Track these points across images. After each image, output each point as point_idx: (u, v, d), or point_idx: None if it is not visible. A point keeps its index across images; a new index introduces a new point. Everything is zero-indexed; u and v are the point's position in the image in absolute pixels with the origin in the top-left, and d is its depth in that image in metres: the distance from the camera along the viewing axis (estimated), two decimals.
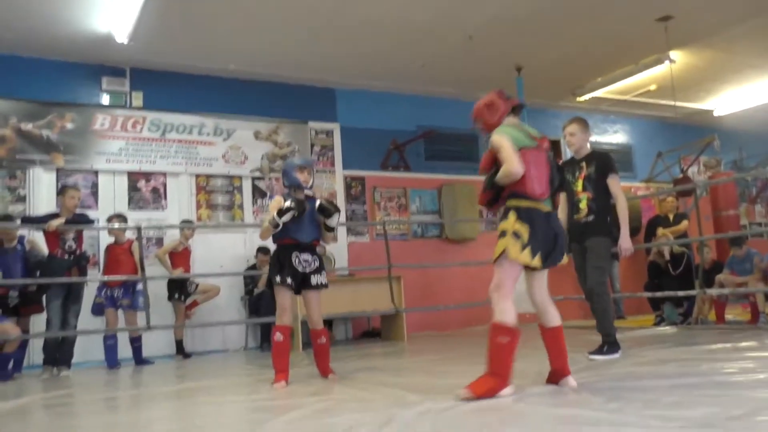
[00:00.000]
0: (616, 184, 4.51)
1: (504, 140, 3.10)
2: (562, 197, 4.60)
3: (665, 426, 2.09)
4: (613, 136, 11.51)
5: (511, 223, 3.03)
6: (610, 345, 4.35)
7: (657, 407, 2.42)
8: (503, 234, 3.04)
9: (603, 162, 4.58)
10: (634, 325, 7.46)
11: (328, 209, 4.16)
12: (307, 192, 4.29)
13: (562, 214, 4.48)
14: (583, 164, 4.60)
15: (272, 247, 4.40)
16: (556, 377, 3.21)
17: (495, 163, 3.15)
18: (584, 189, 4.53)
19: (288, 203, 4.01)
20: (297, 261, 4.09)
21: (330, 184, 9.03)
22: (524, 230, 3.00)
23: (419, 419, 2.49)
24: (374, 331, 8.29)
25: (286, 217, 3.99)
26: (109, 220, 6.68)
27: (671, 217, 7.90)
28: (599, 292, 4.41)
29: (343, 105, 9.21)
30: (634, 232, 10.34)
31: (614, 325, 4.52)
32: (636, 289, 8.74)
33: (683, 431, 1.98)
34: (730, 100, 10.80)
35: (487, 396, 2.85)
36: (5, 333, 5.60)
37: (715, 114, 11.20)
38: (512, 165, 3.02)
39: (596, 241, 4.43)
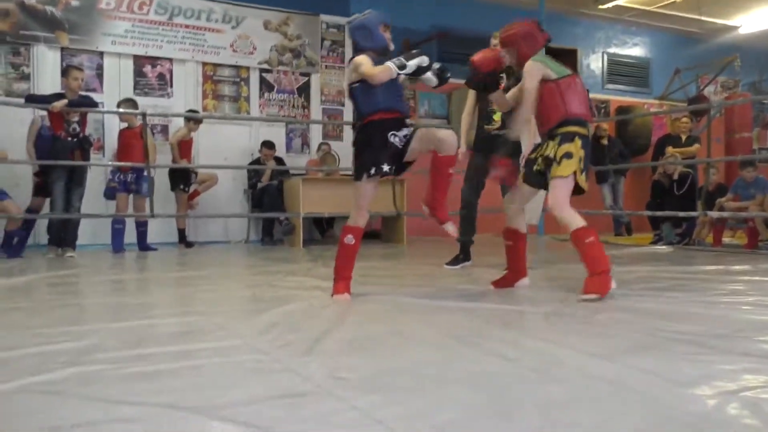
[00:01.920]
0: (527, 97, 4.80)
1: (535, 70, 3.37)
2: (470, 101, 4.69)
3: (654, 335, 2.15)
4: (631, 49, 11.19)
5: (578, 147, 3.23)
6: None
7: (650, 318, 2.49)
8: (569, 155, 3.21)
9: (521, 75, 4.64)
10: (629, 243, 7.54)
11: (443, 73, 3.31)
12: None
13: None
14: (503, 76, 4.55)
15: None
16: (513, 280, 3.60)
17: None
18: None
19: (416, 60, 3.08)
20: (395, 139, 3.15)
21: (339, 80, 8.87)
22: (583, 157, 3.25)
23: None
24: (375, 233, 8.40)
25: (412, 66, 3.06)
26: (119, 105, 6.62)
27: (683, 138, 7.79)
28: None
29: None
30: (642, 149, 10.29)
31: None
32: (639, 207, 8.77)
33: (669, 343, 2.05)
34: (760, 17, 10.37)
35: (607, 291, 3.10)
36: (6, 211, 5.69)
37: (741, 31, 10.81)
38: (526, 101, 3.36)
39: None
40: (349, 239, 3.27)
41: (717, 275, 4.20)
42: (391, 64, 3.03)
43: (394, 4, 9.05)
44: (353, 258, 3.29)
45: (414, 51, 3.15)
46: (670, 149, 7.69)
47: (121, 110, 6.54)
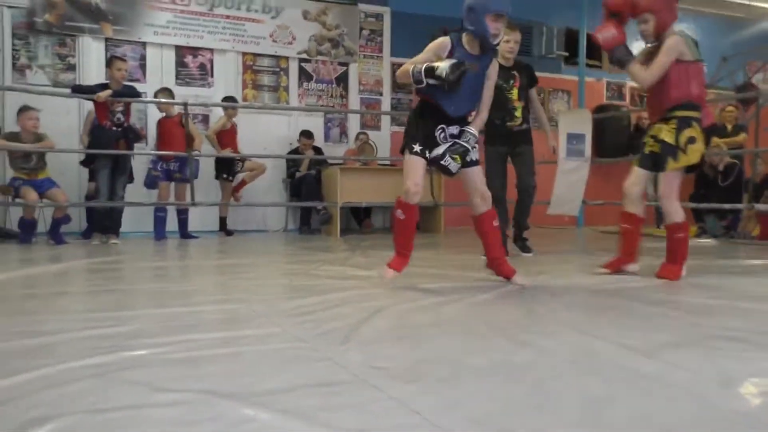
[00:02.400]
0: (537, 96, 4.98)
1: (674, 49, 3.37)
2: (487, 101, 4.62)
3: (697, 330, 2.11)
4: None
5: (699, 131, 3.38)
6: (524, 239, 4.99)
7: (693, 314, 2.44)
8: (693, 140, 3.33)
9: (531, 73, 4.88)
10: None
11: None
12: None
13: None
14: (515, 73, 4.75)
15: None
16: (622, 263, 3.71)
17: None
18: (519, 98, 4.75)
19: (447, 64, 2.96)
20: (440, 135, 3.18)
21: (377, 70, 8.86)
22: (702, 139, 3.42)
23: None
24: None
25: (440, 75, 2.96)
26: (156, 95, 6.73)
27: (729, 127, 7.57)
28: (533, 192, 4.86)
29: None
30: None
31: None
32: (682, 199, 8.57)
33: (713, 339, 2.00)
34: None
35: (678, 277, 3.44)
36: (54, 199, 5.85)
37: None
38: (652, 77, 3.39)
39: (529, 148, 4.85)
40: (399, 214, 3.23)
41: (763, 269, 4.08)
42: (420, 69, 2.99)
43: None
44: (408, 233, 3.28)
45: (458, 64, 2.96)
46: (715, 140, 7.48)
47: (162, 100, 6.65)
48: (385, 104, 8.90)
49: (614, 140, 9.61)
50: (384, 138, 8.75)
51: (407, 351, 1.93)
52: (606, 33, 3.43)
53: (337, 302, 2.76)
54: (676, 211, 3.47)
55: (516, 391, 1.54)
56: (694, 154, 3.34)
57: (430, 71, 2.96)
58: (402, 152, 3.25)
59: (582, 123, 6.94)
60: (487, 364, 1.79)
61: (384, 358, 1.82)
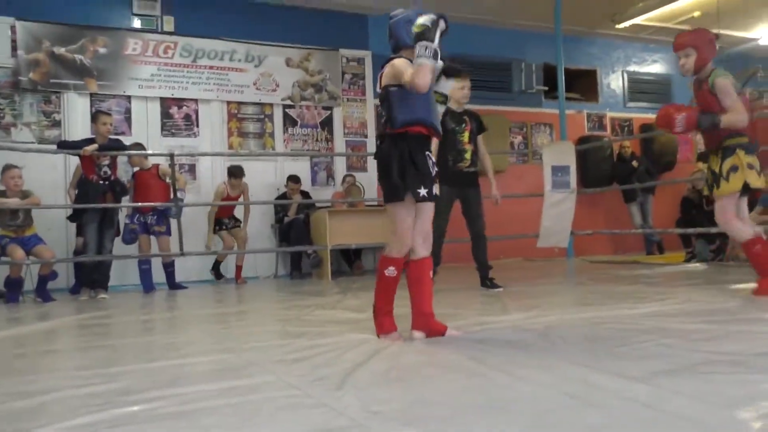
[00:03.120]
0: (483, 144, 5.17)
1: (730, 87, 3.56)
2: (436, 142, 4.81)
3: (693, 356, 2.10)
4: (651, 66, 11.14)
5: (742, 157, 3.56)
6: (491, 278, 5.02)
7: (688, 340, 2.43)
8: (735, 168, 3.54)
9: (480, 121, 5.14)
10: (662, 261, 7.41)
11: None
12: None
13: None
14: (466, 118, 5.03)
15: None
16: None
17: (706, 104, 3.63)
18: (470, 141, 4.99)
19: (427, 18, 2.61)
20: (431, 164, 2.80)
21: (360, 113, 8.96)
22: (755, 161, 3.59)
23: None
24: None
25: (436, 44, 2.59)
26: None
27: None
28: (484, 233, 5.04)
29: (375, 32, 9.00)
30: (669, 166, 10.18)
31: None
32: (669, 225, 8.64)
33: (709, 364, 1.99)
34: None
35: None
36: (41, 256, 5.81)
37: (761, 43, 10.71)
38: (742, 115, 3.51)
39: (477, 191, 5.03)
40: (391, 271, 2.82)
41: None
42: (424, 60, 2.54)
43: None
44: (394, 291, 2.86)
45: (425, 18, 2.61)
46: (699, 165, 7.56)
47: (150, 152, 6.66)
48: (371, 146, 8.96)
49: (598, 170, 9.72)
50: (371, 179, 8.79)
51: (404, 393, 1.91)
52: (679, 118, 3.62)
53: (331, 347, 2.74)
54: (739, 232, 3.66)
55: (516, 426, 1.52)
56: (735, 182, 3.56)
57: (425, 32, 2.58)
58: (393, 199, 2.75)
59: (566, 155, 7.03)
60: (485, 401, 1.77)
61: (381, 401, 1.80)
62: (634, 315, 3.25)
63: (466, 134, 4.96)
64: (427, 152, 2.79)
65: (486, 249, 5.10)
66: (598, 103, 10.67)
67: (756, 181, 3.59)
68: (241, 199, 7.38)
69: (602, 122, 10.65)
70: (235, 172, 7.28)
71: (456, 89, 4.73)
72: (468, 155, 4.97)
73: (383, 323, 2.84)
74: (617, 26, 9.74)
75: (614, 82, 10.86)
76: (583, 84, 10.54)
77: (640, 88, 11.00)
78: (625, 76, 10.90)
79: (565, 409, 1.65)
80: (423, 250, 2.84)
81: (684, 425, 1.47)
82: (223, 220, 7.40)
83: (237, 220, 7.51)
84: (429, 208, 2.84)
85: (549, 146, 8.02)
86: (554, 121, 9.70)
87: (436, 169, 2.81)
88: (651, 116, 10.86)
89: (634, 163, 8.96)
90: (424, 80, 2.56)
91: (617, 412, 1.59)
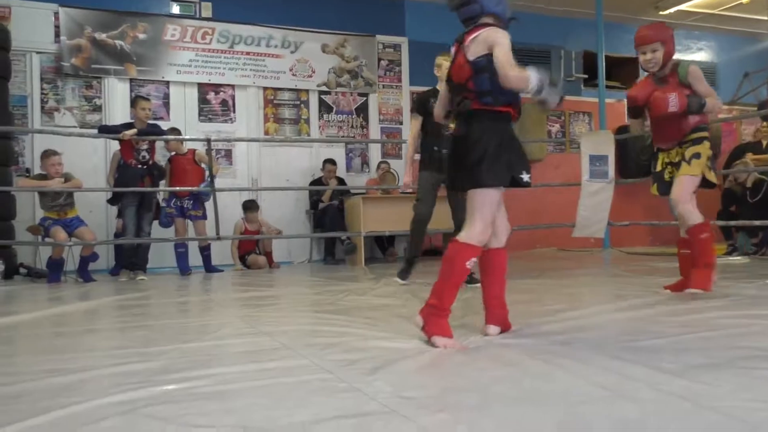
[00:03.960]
0: None
1: (702, 74, 3.66)
2: (418, 125, 4.80)
3: (732, 351, 2.05)
4: (696, 54, 10.85)
5: (707, 148, 3.62)
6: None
7: (727, 334, 2.37)
8: (698, 155, 3.59)
9: None
10: None
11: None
12: None
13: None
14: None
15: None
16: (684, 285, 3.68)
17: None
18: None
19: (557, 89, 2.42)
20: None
21: (396, 99, 8.93)
22: (710, 156, 3.66)
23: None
24: (435, 249, 8.36)
25: (552, 95, 2.40)
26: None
27: (765, 143, 7.41)
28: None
29: (411, 18, 8.96)
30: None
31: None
32: (709, 217, 8.44)
33: (748, 360, 1.95)
34: None
35: (709, 287, 3.55)
36: (82, 237, 5.94)
37: None
38: (719, 100, 3.63)
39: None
40: (471, 264, 2.46)
41: None
42: (533, 76, 2.35)
43: (453, 20, 9.09)
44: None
45: (555, 77, 2.55)
46: (749, 156, 7.32)
47: (188, 137, 6.76)
48: (406, 132, 8.93)
49: (637, 160, 9.52)
50: (405, 166, 8.78)
51: (436, 380, 1.90)
52: (672, 99, 3.54)
53: (363, 332, 2.75)
54: (690, 214, 3.60)
55: (548, 417, 1.51)
56: (695, 167, 3.57)
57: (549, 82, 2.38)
58: (494, 184, 2.45)
59: (604, 144, 6.91)
60: (517, 391, 1.75)
61: (413, 387, 1.80)
62: (671, 308, 3.18)
63: (452, 117, 4.66)
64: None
65: None
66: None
67: (713, 178, 3.65)
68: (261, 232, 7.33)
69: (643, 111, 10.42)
70: (250, 206, 7.28)
71: (444, 69, 4.33)
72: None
73: (444, 325, 2.39)
74: (661, 12, 9.50)
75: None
76: (625, 72, 10.31)
77: None
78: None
79: (599, 401, 1.63)
80: (505, 238, 2.67)
81: (721, 420, 1.44)
82: (246, 257, 7.31)
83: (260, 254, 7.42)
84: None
85: (587, 135, 7.89)
86: (593, 110, 9.53)
87: None
88: None
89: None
90: (517, 83, 2.36)
91: (653, 406, 1.57)
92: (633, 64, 10.35)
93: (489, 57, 2.47)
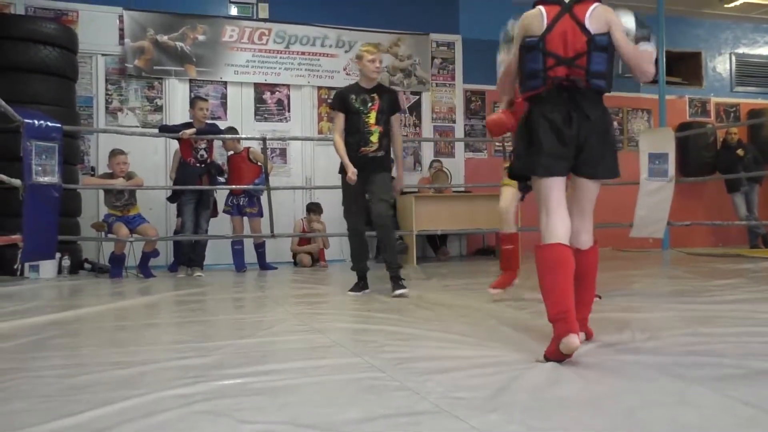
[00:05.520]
0: (399, 124, 4.56)
1: None
2: (341, 123, 4.30)
3: None
4: (762, 48, 10.42)
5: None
6: (399, 278, 4.21)
7: None
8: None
9: (394, 99, 4.47)
10: (767, 256, 6.97)
11: None
12: None
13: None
14: (375, 96, 4.32)
15: None
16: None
17: None
18: (377, 122, 4.28)
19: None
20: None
21: (449, 98, 8.88)
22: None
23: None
24: (488, 249, 8.29)
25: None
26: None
27: None
28: (387, 221, 4.32)
29: (465, 16, 8.89)
30: None
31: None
32: None
33: None
34: None
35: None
36: (145, 233, 6.13)
37: None
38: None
39: (384, 175, 4.32)
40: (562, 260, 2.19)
41: None
42: (651, 48, 2.24)
43: (507, 18, 8.99)
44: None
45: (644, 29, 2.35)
46: None
47: (244, 136, 6.89)
48: (459, 131, 8.89)
49: (699, 158, 9.23)
50: (458, 165, 8.73)
51: (489, 381, 1.88)
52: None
53: (415, 331, 2.74)
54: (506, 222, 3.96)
55: (602, 422, 1.48)
56: None
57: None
58: (526, 177, 2.35)
59: (664, 142, 6.70)
60: (572, 393, 1.73)
61: (465, 388, 1.79)
62: (735, 310, 3.07)
63: (373, 114, 4.24)
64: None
65: (393, 243, 4.35)
66: (702, 88, 10.11)
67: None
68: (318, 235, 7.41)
69: (706, 108, 10.09)
70: (314, 209, 7.37)
71: (366, 62, 4.21)
72: (374, 138, 4.25)
73: (570, 324, 2.05)
74: (726, 5, 9.17)
75: (721, 65, 10.24)
76: (686, 67, 10.00)
77: (749, 72, 10.33)
78: (733, 58, 10.26)
79: (657, 406, 1.59)
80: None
81: None
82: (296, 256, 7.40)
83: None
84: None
85: (646, 132, 7.68)
86: (653, 107, 9.27)
87: None
88: (761, 101, 10.20)
89: (740, 152, 8.43)
90: (652, 68, 2.25)
91: (713, 411, 1.52)
92: (696, 59, 10.05)
93: (609, 37, 2.23)
